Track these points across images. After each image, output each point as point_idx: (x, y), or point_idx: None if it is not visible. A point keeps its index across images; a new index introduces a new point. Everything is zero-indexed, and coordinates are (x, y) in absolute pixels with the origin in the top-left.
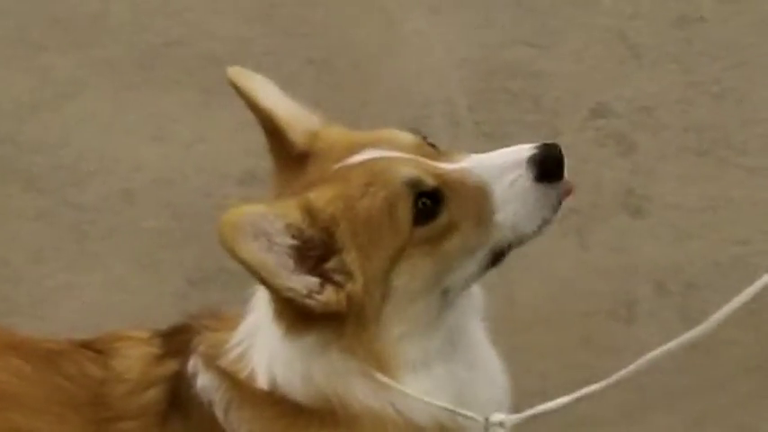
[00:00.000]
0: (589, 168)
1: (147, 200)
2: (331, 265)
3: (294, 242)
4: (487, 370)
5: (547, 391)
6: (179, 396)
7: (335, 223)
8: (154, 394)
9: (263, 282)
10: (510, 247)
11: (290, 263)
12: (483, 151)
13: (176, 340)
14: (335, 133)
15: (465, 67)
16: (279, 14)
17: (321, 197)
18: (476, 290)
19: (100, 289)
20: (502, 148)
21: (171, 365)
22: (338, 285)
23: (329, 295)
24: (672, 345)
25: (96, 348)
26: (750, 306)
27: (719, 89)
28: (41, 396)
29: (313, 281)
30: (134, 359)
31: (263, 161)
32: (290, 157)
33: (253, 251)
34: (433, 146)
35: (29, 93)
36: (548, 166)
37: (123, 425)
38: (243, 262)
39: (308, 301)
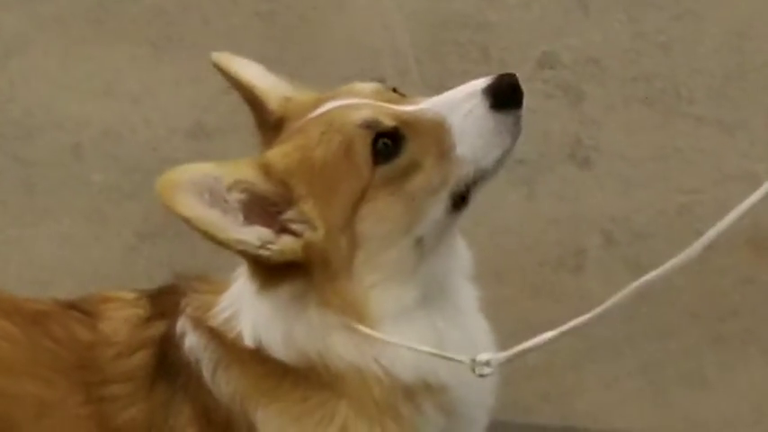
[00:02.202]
0: (537, 119)
1: (95, 154)
2: (289, 216)
3: (244, 197)
4: (468, 327)
5: (498, 342)
6: (167, 358)
7: (291, 174)
8: (142, 357)
9: (209, 237)
10: (472, 185)
11: (240, 217)
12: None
13: (163, 302)
14: (305, 95)
15: (412, 19)
16: None
17: (277, 153)
18: (462, 249)
19: (49, 243)
20: None
21: (158, 327)
22: (296, 235)
23: (284, 243)
24: (667, 266)
25: (83, 310)
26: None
27: (667, 39)
28: (29, 359)
29: (265, 231)
30: (121, 321)
31: (212, 115)
32: (271, 126)
33: (192, 206)
34: (397, 93)
35: None
36: (502, 94)
37: (112, 388)
38: (182, 217)
39: (262, 252)
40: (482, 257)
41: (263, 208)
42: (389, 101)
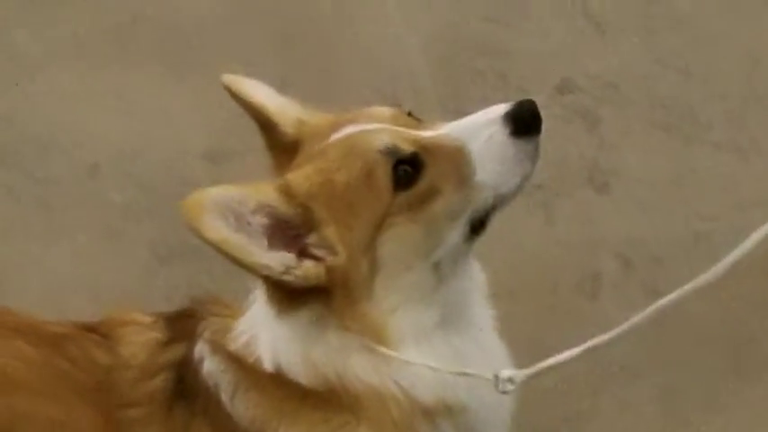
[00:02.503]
0: (555, 144)
1: (112, 173)
2: (311, 240)
3: (267, 221)
4: (487, 349)
5: (514, 363)
6: (185, 382)
7: (312, 199)
8: (160, 381)
9: (234, 261)
10: (491, 210)
11: (264, 241)
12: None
13: (180, 325)
14: (321, 117)
15: (430, 44)
16: None
17: (298, 176)
18: (476, 271)
19: (66, 261)
20: None
21: (176, 351)
22: (318, 259)
23: (307, 269)
24: (687, 288)
25: (101, 332)
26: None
27: (684, 65)
28: (47, 381)
29: (289, 256)
30: (139, 345)
31: (228, 136)
32: (283, 148)
33: (217, 230)
34: (415, 118)
35: None
36: (522, 120)
37: (130, 411)
38: (207, 240)
39: (285, 277)
40: (499, 280)
41: (285, 231)
42: (407, 125)
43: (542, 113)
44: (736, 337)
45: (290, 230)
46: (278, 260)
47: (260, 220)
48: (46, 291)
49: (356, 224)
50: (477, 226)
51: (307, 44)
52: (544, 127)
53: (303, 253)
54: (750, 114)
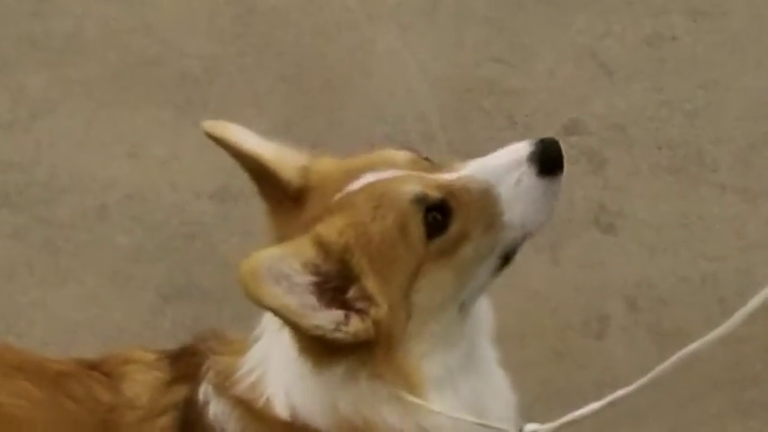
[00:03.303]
0: (561, 185)
1: (119, 216)
2: (352, 294)
3: (313, 279)
4: (498, 385)
5: (522, 405)
6: (189, 423)
7: (350, 252)
8: (165, 422)
9: (290, 324)
10: (518, 245)
11: (313, 300)
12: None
13: (184, 364)
14: (328, 163)
15: (437, 86)
16: (251, 33)
17: (331, 228)
18: (485, 307)
19: (73, 304)
20: None
21: (180, 391)
22: (363, 313)
23: (356, 325)
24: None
25: (104, 371)
26: (720, 322)
27: (691, 107)
28: (50, 420)
29: (338, 314)
30: (143, 384)
31: (236, 178)
32: (283, 196)
33: (277, 296)
34: (427, 159)
35: (2, 111)
36: (549, 160)
37: None
38: (270, 308)
39: (337, 335)
40: (506, 322)
41: (328, 287)
42: (425, 170)
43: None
44: (741, 379)
45: (331, 285)
46: (329, 319)
47: (306, 279)
48: (52, 333)
49: (393, 275)
50: (504, 260)
51: (314, 86)
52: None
53: (346, 307)
54: (756, 157)
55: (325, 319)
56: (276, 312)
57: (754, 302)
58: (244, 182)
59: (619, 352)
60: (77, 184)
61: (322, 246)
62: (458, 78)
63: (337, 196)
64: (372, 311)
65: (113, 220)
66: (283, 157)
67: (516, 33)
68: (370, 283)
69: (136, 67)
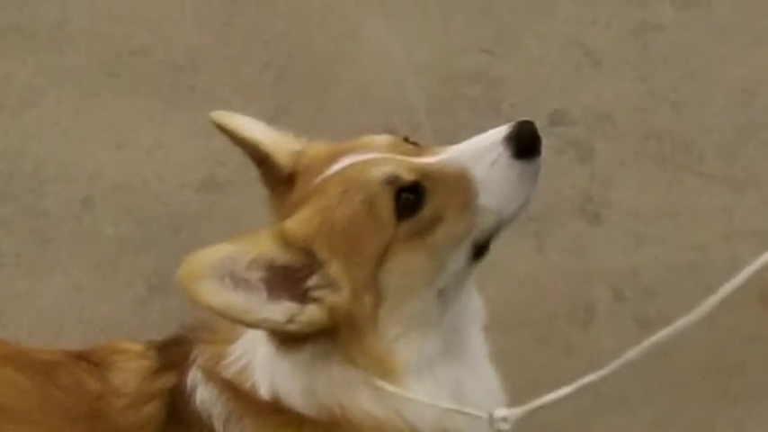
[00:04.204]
0: (547, 174)
1: (106, 206)
2: (313, 282)
3: (263, 274)
4: (484, 376)
5: (508, 393)
6: (177, 410)
7: (312, 241)
8: (152, 409)
9: (237, 321)
10: (493, 233)
11: (264, 294)
12: None
13: (171, 353)
14: (317, 148)
15: (423, 74)
16: (238, 22)
17: (296, 220)
18: (475, 297)
19: (60, 295)
20: None
21: (168, 379)
22: (319, 302)
23: (311, 314)
24: (679, 324)
25: (92, 360)
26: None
27: (678, 96)
28: (38, 408)
29: (290, 306)
30: (131, 373)
31: (223, 167)
32: (280, 181)
33: (216, 294)
34: (414, 143)
35: None
36: (525, 143)
37: None
38: (207, 307)
39: (289, 327)
40: (491, 310)
41: (286, 278)
42: (405, 152)
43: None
44: (728, 366)
45: (290, 276)
46: (279, 311)
47: (257, 275)
48: (38, 324)
49: (359, 258)
50: (480, 249)
51: (301, 74)
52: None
53: (304, 298)
54: (743, 146)
55: (275, 312)
56: (217, 312)
57: (727, 287)
58: (230, 171)
59: (605, 340)
60: (64, 173)
61: (284, 239)
62: (444, 67)
63: (316, 181)
64: (329, 298)
65: (100, 210)
66: (279, 143)
67: (502, 21)
68: (334, 269)
69: (122, 56)
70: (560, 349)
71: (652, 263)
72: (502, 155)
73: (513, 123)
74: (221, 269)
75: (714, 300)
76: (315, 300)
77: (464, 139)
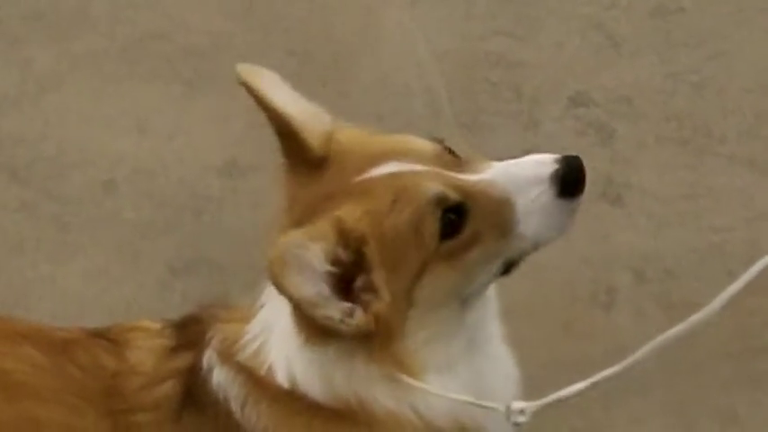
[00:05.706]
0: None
1: (128, 191)
2: (358, 284)
3: (331, 269)
4: (502, 366)
5: (530, 378)
6: (194, 390)
7: (365, 242)
8: (168, 388)
9: (304, 311)
10: (526, 255)
11: (327, 289)
12: (465, 141)
13: (188, 332)
14: (352, 137)
15: (445, 59)
16: (260, 8)
17: (350, 215)
18: (491, 288)
19: (81, 279)
20: (482, 138)
21: (184, 358)
22: (366, 305)
23: (360, 318)
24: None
25: (109, 338)
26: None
27: (699, 79)
28: (55, 386)
29: (346, 306)
30: (147, 351)
31: (244, 152)
32: (304, 159)
33: (299, 286)
34: (452, 152)
35: (9, 86)
36: (570, 184)
37: (138, 417)
38: (291, 298)
39: (341, 327)
40: (514, 294)
41: (340, 276)
42: (449, 165)
43: (556, 127)
44: (750, 349)
45: (344, 275)
46: (339, 310)
47: (325, 268)
48: (60, 308)
49: (401, 270)
50: (510, 266)
51: (321, 61)
52: (557, 143)
53: (352, 298)
54: (764, 127)
55: (336, 310)
56: (296, 302)
57: (745, 277)
58: (251, 155)
59: (627, 323)
60: (85, 158)
61: (341, 232)
62: (464, 52)
63: (357, 179)
64: (375, 304)
65: (121, 194)
66: (310, 120)
67: (523, 6)
68: (377, 276)
69: (143, 42)
70: (582, 332)
71: (674, 245)
72: (546, 192)
73: (560, 158)
74: (301, 260)
75: (735, 287)
76: (362, 303)
77: (486, 123)
